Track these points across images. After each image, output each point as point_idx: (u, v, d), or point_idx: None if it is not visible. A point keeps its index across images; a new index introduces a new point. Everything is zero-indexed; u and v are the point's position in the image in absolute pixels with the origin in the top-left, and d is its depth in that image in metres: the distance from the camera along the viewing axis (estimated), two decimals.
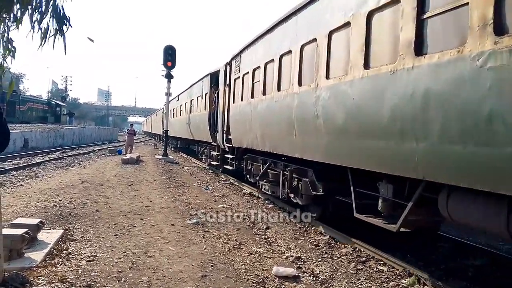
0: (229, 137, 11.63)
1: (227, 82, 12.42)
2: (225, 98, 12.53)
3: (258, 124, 8.87)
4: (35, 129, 26.03)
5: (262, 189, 9.51)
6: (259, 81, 8.92)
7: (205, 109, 16.00)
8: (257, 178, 9.78)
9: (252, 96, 9.41)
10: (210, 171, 15.90)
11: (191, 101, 20.50)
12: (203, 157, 20.01)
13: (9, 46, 3.26)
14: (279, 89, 7.70)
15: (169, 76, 20.21)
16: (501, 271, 5.21)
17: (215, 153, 14.66)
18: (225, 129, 12.13)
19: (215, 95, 14.49)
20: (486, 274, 5.11)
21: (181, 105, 24.35)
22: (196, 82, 19.53)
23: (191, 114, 20.32)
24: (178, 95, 26.01)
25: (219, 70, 13.84)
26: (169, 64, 19.71)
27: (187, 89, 22.15)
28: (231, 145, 11.59)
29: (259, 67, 8.96)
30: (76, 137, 34.36)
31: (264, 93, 8.51)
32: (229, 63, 12.18)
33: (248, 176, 10.82)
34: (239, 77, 10.76)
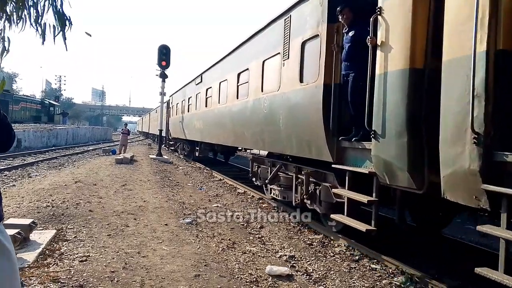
0: None
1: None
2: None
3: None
4: (28, 129, 25.86)
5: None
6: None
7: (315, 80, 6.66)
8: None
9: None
10: (205, 170, 15.88)
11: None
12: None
13: (6, 46, 3.24)
14: (219, 102, 12.47)
15: (163, 76, 20.15)
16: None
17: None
18: None
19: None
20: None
21: (207, 92, 14.34)
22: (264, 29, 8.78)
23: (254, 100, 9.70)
24: (200, 77, 15.72)
25: None
26: (164, 63, 19.66)
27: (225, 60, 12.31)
28: None
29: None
30: (70, 137, 34.19)
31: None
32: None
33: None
34: None
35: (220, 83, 12.37)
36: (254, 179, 10.09)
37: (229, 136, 11.58)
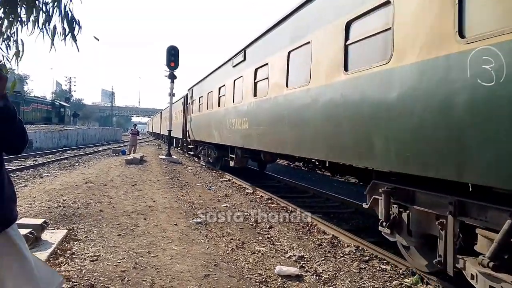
0: None
1: None
2: None
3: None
4: (39, 130, 26.16)
5: None
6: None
7: None
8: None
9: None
10: (214, 171, 15.92)
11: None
12: None
13: (19, 48, 3.30)
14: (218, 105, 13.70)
15: (172, 77, 20.26)
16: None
17: None
18: None
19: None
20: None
21: (257, 74, 9.93)
22: None
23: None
24: (243, 53, 11.04)
25: None
26: (172, 64, 19.76)
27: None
28: None
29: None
30: (80, 137, 34.51)
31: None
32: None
33: None
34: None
35: (289, 53, 7.53)
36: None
37: (305, 140, 6.88)
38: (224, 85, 13.05)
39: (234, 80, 11.63)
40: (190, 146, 22.22)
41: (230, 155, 12.99)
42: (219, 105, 13.64)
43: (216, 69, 14.80)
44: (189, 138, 20.59)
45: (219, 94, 13.74)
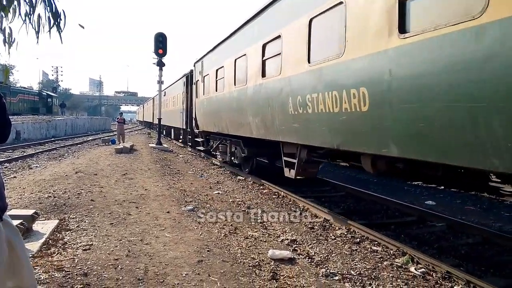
0: None
1: None
2: None
3: None
4: (26, 121, 25.82)
5: None
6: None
7: None
8: None
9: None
10: (205, 158, 15.89)
11: None
12: None
13: (6, 37, 3.23)
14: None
15: (160, 64, 20.02)
16: (493, 249, 5.30)
17: None
18: None
19: None
20: (478, 252, 5.21)
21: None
22: None
23: None
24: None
25: None
26: (161, 51, 19.49)
27: None
28: None
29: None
30: (69, 127, 34.14)
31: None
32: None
33: None
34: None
35: None
36: None
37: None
38: (278, 37, 7.43)
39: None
40: (198, 139, 16.83)
41: (286, 159, 7.83)
42: (264, 75, 8.26)
43: (238, 29, 10.21)
44: (197, 129, 15.58)
45: (263, 56, 8.28)
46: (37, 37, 3.22)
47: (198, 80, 15.46)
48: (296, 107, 6.60)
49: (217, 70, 12.27)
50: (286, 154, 7.85)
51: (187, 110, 18.67)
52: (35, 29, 3.19)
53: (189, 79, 18.45)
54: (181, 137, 23.78)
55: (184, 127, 19.85)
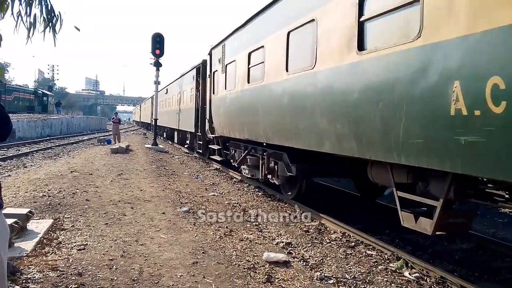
0: None
1: None
2: None
3: None
4: (22, 119, 25.66)
5: None
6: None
7: None
8: None
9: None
10: (201, 160, 15.86)
11: None
12: None
13: None
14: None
15: (157, 64, 19.97)
16: (487, 255, 5.34)
17: None
18: None
19: None
20: (472, 258, 5.24)
21: None
22: None
23: None
24: None
25: None
26: (158, 52, 19.44)
27: None
28: None
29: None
30: (64, 126, 34.00)
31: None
32: None
33: None
34: None
35: None
36: None
37: None
38: None
39: None
40: (214, 147, 13.44)
41: (401, 195, 4.60)
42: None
43: None
44: (211, 133, 12.78)
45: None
46: (29, 37, 3.17)
47: (216, 71, 12.11)
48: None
49: (250, 54, 8.86)
50: (399, 185, 4.69)
51: (197, 110, 15.51)
52: (27, 29, 3.16)
53: (201, 71, 15.16)
54: (187, 142, 19.56)
55: (193, 131, 16.33)
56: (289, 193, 8.08)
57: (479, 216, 7.67)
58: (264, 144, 8.37)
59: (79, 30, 3.79)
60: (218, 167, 13.15)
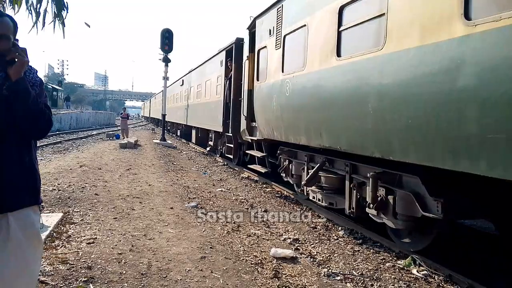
0: None
1: None
2: None
3: None
4: None
5: None
6: None
7: None
8: None
9: None
10: (208, 156, 15.90)
11: None
12: None
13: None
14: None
15: (166, 60, 20.05)
16: (496, 253, 5.29)
17: None
18: None
19: None
20: (481, 256, 5.20)
21: None
22: None
23: None
24: None
25: None
26: (167, 47, 19.52)
27: None
28: None
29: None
30: (74, 121, 34.26)
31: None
32: None
33: None
34: None
35: None
36: None
37: None
38: None
39: None
40: (254, 153, 9.75)
41: None
42: None
43: None
44: (249, 135, 9.91)
45: None
46: (34, 26, 3.20)
47: (263, 47, 8.63)
48: None
49: (342, 8, 5.27)
50: None
51: (226, 103, 12.14)
52: (32, 20, 3.19)
53: (233, 54, 11.66)
54: (210, 143, 15.86)
55: (220, 130, 12.89)
56: (414, 245, 4.84)
57: None
58: (376, 158, 4.65)
59: (89, 26, 3.84)
60: (225, 163, 13.15)
